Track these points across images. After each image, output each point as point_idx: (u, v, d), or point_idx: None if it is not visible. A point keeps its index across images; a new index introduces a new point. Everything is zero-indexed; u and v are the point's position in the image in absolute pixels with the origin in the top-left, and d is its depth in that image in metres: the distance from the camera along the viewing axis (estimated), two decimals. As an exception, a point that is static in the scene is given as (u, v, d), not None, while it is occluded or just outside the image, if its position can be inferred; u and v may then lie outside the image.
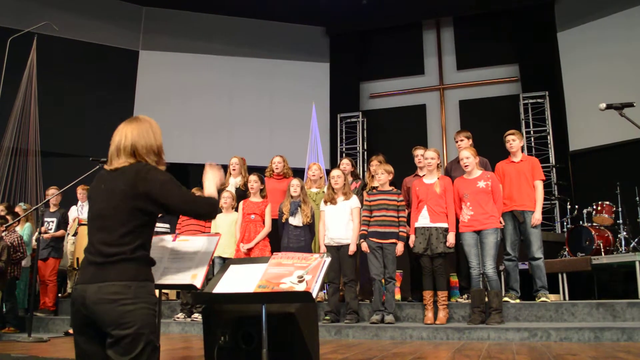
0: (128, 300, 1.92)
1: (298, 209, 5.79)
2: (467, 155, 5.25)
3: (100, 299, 1.91)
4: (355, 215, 5.59)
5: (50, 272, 6.83)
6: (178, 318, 6.11)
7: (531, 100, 10.30)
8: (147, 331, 1.93)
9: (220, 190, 6.50)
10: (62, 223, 7.01)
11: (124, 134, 2.16)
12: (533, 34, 10.79)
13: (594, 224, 7.13)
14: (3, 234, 6.13)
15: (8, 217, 6.40)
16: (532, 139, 10.13)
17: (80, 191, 7.26)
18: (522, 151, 5.79)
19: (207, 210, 2.29)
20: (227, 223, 6.15)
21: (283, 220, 5.87)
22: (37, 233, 6.58)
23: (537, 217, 5.40)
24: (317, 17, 12.09)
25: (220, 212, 6.33)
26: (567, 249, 7.12)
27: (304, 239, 5.77)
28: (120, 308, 1.90)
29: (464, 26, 11.76)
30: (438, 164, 5.52)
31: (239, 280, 2.57)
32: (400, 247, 5.34)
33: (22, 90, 9.42)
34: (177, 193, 2.13)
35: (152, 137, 2.19)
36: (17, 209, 7.17)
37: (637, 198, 7.28)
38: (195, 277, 2.52)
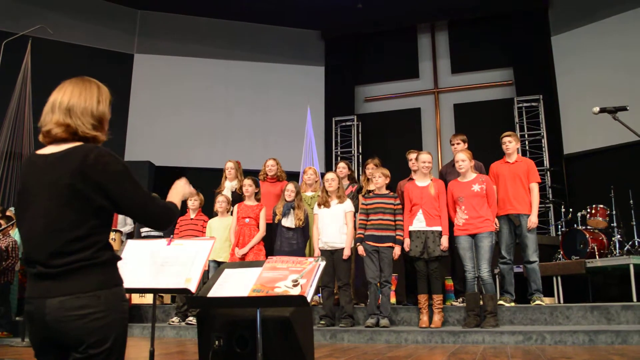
0: (99, 313, 1.62)
1: (291, 210, 5.79)
2: (463, 158, 5.26)
3: (65, 316, 1.58)
4: (349, 219, 5.59)
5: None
6: (173, 322, 6.09)
7: (525, 104, 10.33)
8: (119, 344, 1.69)
9: (216, 194, 6.50)
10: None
11: (64, 91, 1.79)
12: (527, 38, 10.84)
13: (588, 227, 7.15)
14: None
15: (2, 221, 6.37)
16: (527, 143, 10.15)
17: None
18: (518, 153, 5.81)
19: (162, 218, 1.87)
20: (222, 227, 6.14)
21: (276, 222, 5.86)
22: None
23: (533, 220, 5.41)
24: (312, 20, 12.10)
25: (216, 215, 6.33)
26: (561, 252, 7.13)
27: (296, 242, 5.76)
28: (91, 324, 1.60)
29: (459, 30, 11.80)
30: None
31: (234, 284, 2.57)
32: (397, 251, 5.34)
33: (16, 93, 9.39)
34: (132, 192, 1.74)
35: (95, 101, 1.80)
36: (8, 213, 7.13)
37: (631, 201, 7.31)
38: (189, 281, 2.51)
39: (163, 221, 1.88)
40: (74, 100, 1.76)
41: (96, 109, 1.79)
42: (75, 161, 1.66)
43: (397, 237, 5.37)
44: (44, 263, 1.63)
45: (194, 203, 6.32)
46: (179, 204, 2.02)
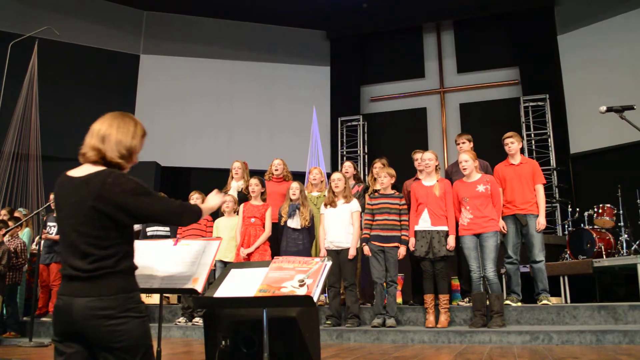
0: (119, 314, 1.88)
1: (296, 211, 5.79)
2: (466, 159, 5.25)
3: (89, 315, 1.86)
4: (355, 218, 5.58)
5: (55, 276, 6.82)
6: (179, 322, 6.10)
7: (532, 103, 10.31)
8: (142, 341, 1.94)
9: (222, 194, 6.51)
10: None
11: (103, 121, 2.07)
12: (533, 37, 10.82)
13: (595, 227, 7.13)
14: (5, 239, 6.13)
15: (10, 222, 6.41)
16: (533, 142, 10.13)
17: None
18: (522, 153, 5.79)
19: (185, 216, 2.17)
20: (228, 227, 6.14)
21: (282, 223, 5.86)
22: (37, 237, 6.59)
23: (541, 222, 5.40)
24: (318, 20, 12.12)
25: (222, 215, 6.33)
26: (568, 252, 7.11)
27: (302, 242, 5.76)
28: (112, 322, 1.87)
29: (464, 29, 11.79)
30: (437, 166, 5.52)
31: (240, 285, 2.57)
32: (402, 251, 5.33)
33: (23, 94, 9.44)
34: (149, 202, 2.02)
35: (130, 136, 2.08)
36: (16, 214, 7.16)
37: (638, 200, 7.27)
38: (196, 281, 2.52)
39: (186, 218, 2.18)
40: (111, 131, 2.04)
41: (129, 143, 2.07)
42: (96, 186, 1.94)
43: (402, 237, 5.36)
44: (75, 266, 1.92)
45: (195, 202, 6.31)
46: (205, 211, 2.32)
